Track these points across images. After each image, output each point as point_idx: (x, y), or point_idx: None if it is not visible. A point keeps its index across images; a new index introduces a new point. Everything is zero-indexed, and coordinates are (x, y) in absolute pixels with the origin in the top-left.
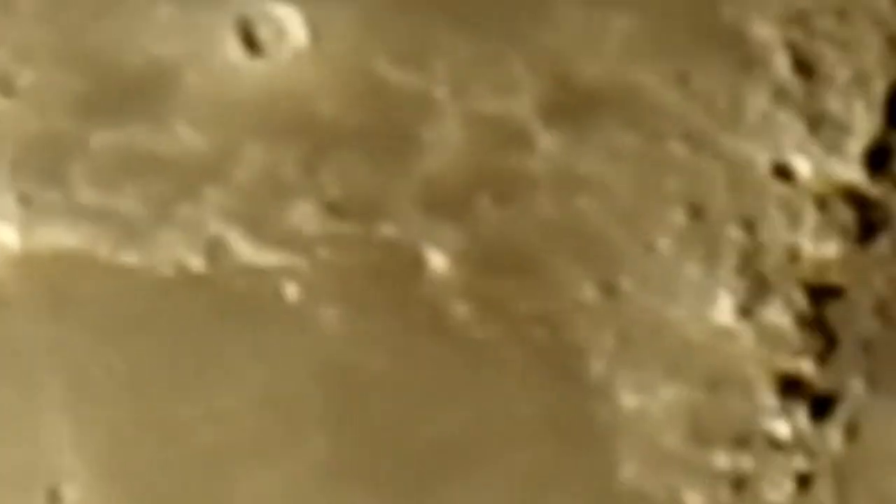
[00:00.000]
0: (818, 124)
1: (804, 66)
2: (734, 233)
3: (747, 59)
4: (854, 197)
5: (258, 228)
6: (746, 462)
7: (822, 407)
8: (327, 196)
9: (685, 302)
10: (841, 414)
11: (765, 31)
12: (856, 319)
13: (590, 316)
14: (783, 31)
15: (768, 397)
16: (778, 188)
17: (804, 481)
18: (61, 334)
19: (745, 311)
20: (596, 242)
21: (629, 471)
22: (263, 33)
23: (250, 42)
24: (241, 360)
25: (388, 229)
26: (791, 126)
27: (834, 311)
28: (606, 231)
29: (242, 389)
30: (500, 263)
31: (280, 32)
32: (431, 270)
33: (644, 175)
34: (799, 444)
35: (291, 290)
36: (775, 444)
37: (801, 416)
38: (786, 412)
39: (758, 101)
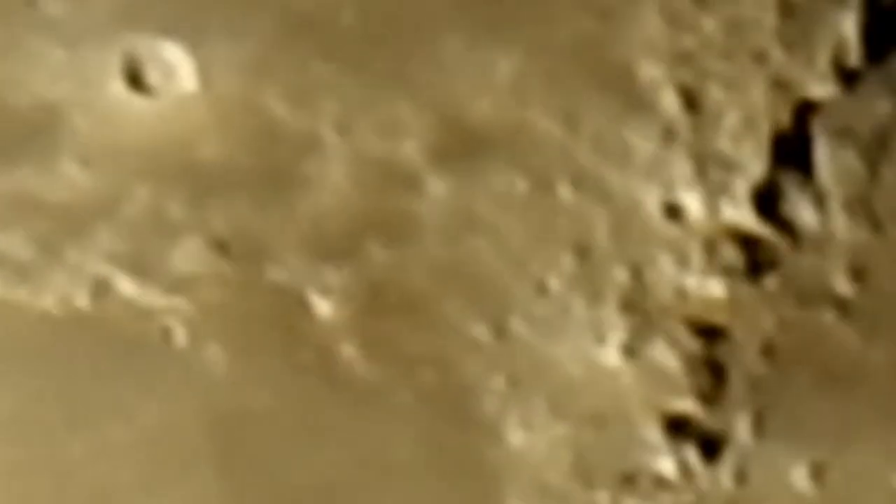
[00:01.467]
0: (706, 164)
1: (692, 106)
2: (621, 273)
3: (635, 99)
4: (742, 237)
5: (144, 269)
6: (631, 501)
7: (710, 447)
8: (213, 237)
9: (572, 342)
10: (729, 454)
11: (652, 71)
12: (743, 359)
13: (479, 356)
14: (670, 71)
15: (654, 436)
16: (666, 228)
17: None
18: None
19: (631, 350)
20: (485, 283)
21: None
22: (151, 74)
23: (138, 82)
24: (128, 399)
25: (274, 271)
26: (679, 166)
27: (721, 351)
28: (495, 272)
29: (130, 428)
30: (388, 305)
31: (168, 72)
32: (318, 312)
33: (532, 217)
34: (686, 483)
35: (178, 331)
36: (661, 484)
37: (689, 455)
38: (672, 452)
39: (646, 142)
